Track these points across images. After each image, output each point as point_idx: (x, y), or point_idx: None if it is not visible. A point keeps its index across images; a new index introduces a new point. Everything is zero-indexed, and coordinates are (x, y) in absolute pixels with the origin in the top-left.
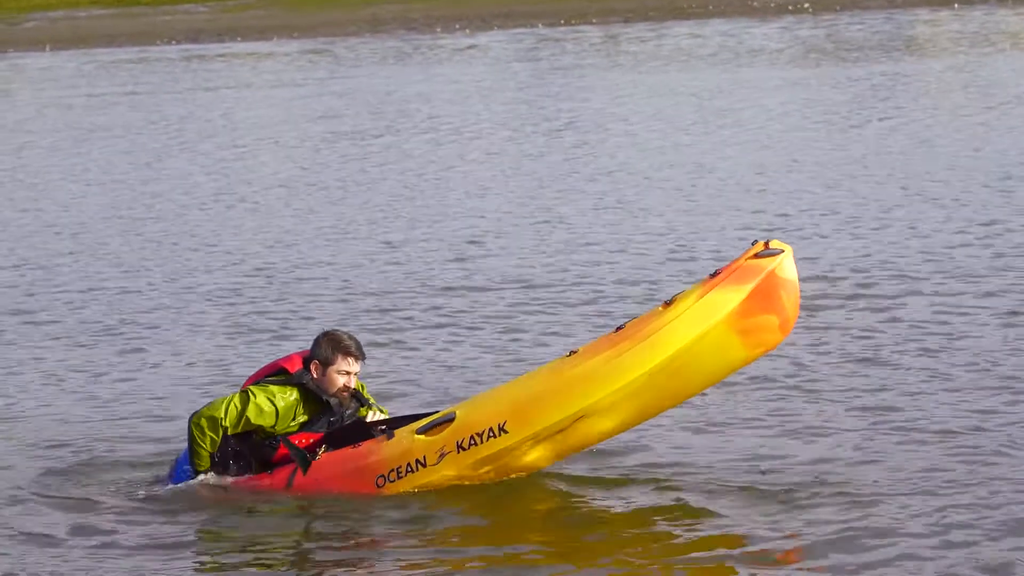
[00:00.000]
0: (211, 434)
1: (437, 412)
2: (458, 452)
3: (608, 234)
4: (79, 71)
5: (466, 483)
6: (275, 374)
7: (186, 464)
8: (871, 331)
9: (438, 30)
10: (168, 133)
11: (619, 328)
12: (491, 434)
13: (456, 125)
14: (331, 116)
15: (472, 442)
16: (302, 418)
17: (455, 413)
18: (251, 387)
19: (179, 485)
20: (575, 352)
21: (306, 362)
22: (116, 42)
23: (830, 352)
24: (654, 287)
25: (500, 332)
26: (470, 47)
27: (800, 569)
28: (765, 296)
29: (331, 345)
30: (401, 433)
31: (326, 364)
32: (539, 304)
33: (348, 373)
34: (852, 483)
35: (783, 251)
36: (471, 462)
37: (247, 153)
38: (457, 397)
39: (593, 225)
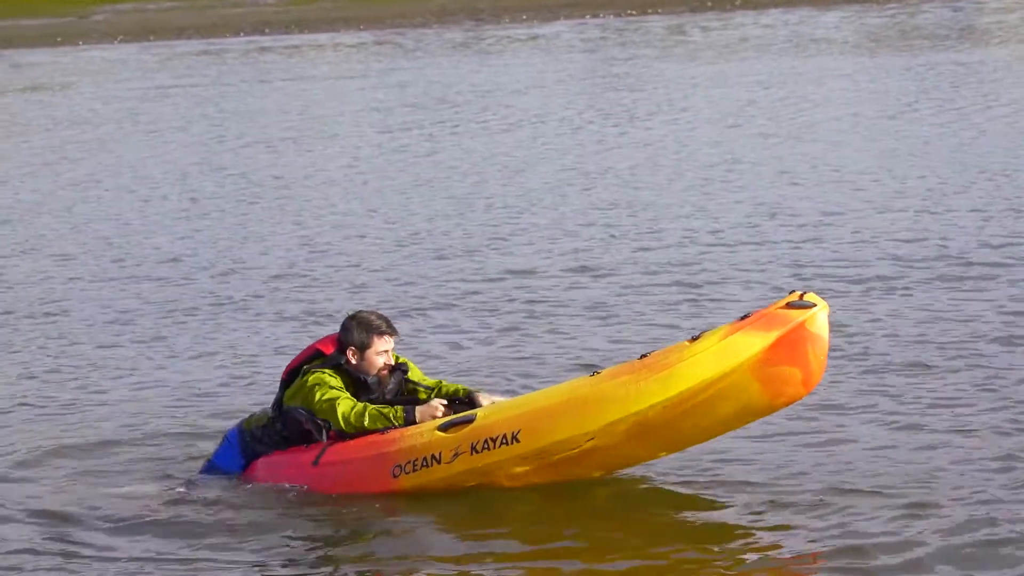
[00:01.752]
0: (368, 409)
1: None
2: (471, 454)
3: (673, 226)
4: (145, 64)
5: (475, 485)
6: (312, 357)
7: (217, 463)
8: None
9: (505, 20)
10: (227, 125)
11: (643, 356)
12: (504, 441)
13: (519, 116)
14: (395, 107)
15: (485, 446)
16: None
17: (475, 415)
18: (311, 373)
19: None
20: (597, 373)
21: (340, 346)
22: (184, 35)
23: (880, 348)
24: (699, 279)
25: (560, 325)
26: (536, 37)
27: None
28: (790, 347)
29: (363, 329)
30: (423, 427)
31: (363, 348)
32: (605, 297)
33: (385, 352)
34: (902, 490)
35: (816, 305)
36: (482, 465)
37: (308, 143)
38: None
39: (657, 216)
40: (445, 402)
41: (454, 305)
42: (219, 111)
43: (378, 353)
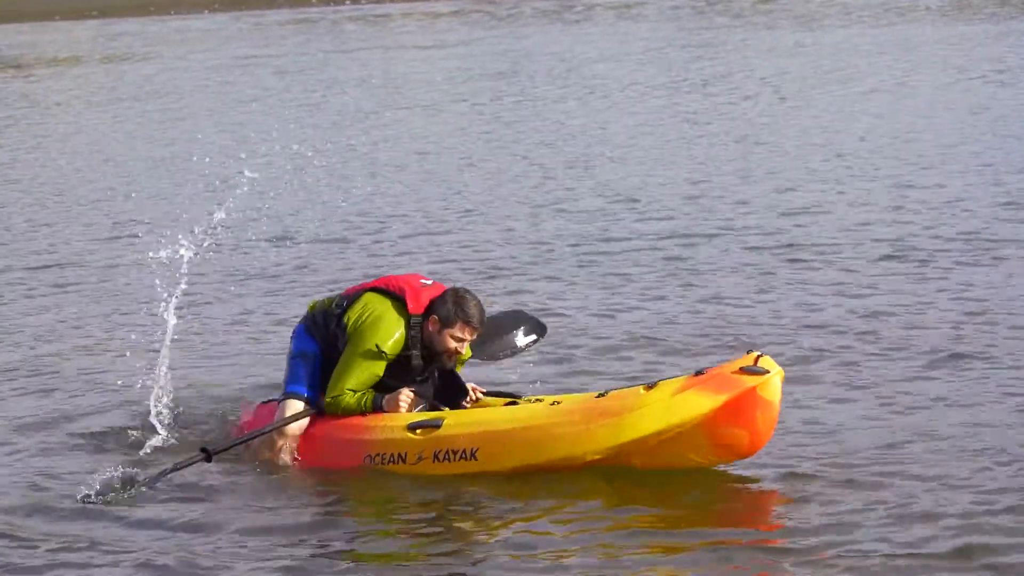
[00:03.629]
0: (345, 400)
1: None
2: (433, 461)
3: (749, 194)
4: (228, 33)
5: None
6: (387, 291)
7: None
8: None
9: None
10: (308, 93)
11: (601, 395)
12: (463, 456)
13: (610, 85)
14: (481, 75)
15: (447, 457)
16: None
17: (443, 420)
18: (377, 342)
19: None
20: (558, 403)
21: (429, 308)
22: (275, 4)
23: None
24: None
25: (646, 294)
26: (629, 5)
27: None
28: (739, 411)
29: (456, 308)
30: (396, 421)
31: (445, 325)
32: (686, 268)
33: (462, 340)
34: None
35: (770, 372)
36: (443, 474)
37: (389, 113)
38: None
39: (739, 186)
40: (412, 392)
41: (525, 272)
42: (300, 80)
43: (455, 337)
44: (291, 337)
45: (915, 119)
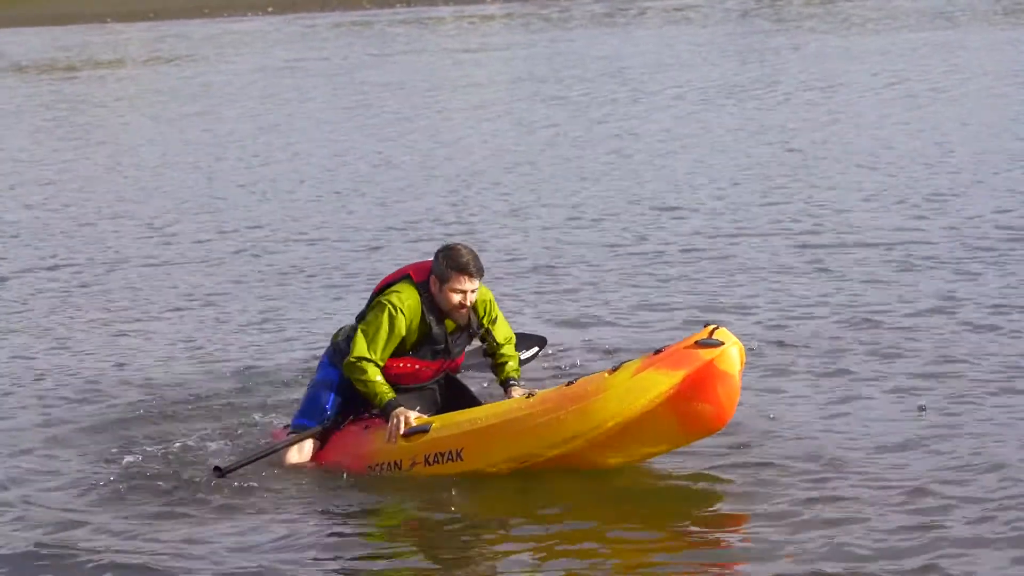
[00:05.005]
0: (369, 373)
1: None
2: (425, 465)
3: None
4: (279, 35)
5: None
6: (400, 280)
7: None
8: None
9: None
10: (352, 95)
11: (570, 383)
12: (450, 457)
13: (659, 89)
14: (536, 79)
15: (436, 459)
16: (412, 336)
17: (431, 425)
18: (388, 302)
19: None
20: (532, 395)
21: (429, 273)
22: (328, 7)
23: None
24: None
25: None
26: (679, 8)
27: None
28: (698, 386)
29: (447, 261)
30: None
31: (443, 280)
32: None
33: (463, 291)
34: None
35: (724, 343)
36: (436, 476)
37: (436, 116)
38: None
39: (789, 192)
40: (414, 416)
41: (565, 274)
42: (345, 82)
43: (454, 290)
44: (317, 367)
45: (958, 124)
